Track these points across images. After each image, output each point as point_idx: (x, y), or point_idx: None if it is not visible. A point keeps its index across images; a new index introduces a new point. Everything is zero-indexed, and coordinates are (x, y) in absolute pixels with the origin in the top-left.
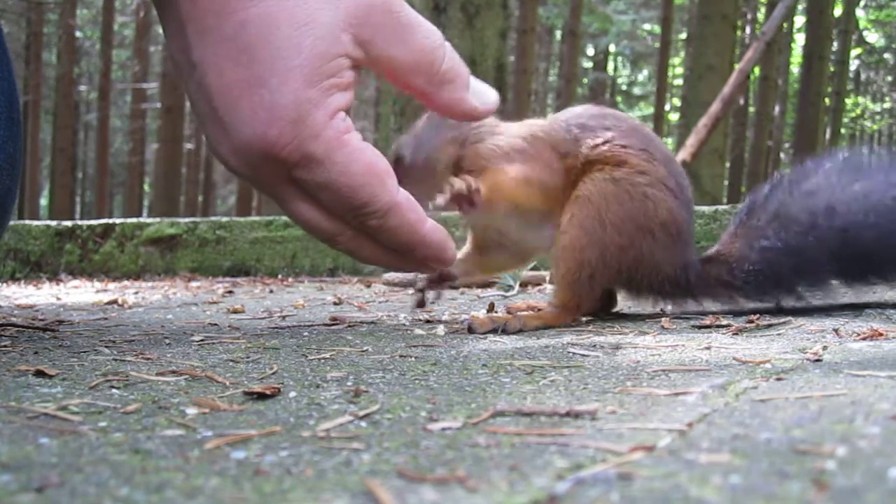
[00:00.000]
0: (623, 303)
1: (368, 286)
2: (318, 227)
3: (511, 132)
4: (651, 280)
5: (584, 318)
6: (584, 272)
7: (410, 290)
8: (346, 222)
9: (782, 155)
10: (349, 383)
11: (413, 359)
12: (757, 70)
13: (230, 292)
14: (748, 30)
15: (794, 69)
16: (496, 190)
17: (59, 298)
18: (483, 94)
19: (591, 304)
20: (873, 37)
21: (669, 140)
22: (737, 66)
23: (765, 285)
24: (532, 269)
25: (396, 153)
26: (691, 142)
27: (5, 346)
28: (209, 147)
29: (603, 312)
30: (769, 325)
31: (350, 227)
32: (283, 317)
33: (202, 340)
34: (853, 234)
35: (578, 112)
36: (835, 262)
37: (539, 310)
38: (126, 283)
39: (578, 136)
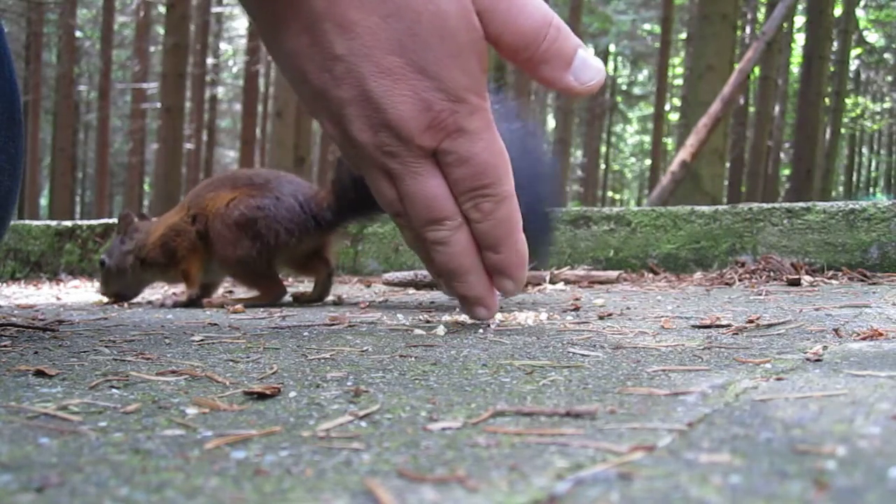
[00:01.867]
0: (622, 302)
1: (368, 286)
2: (440, 204)
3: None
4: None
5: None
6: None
7: (411, 290)
8: (461, 205)
9: (782, 155)
10: (349, 383)
11: (413, 359)
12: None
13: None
14: (748, 30)
15: (794, 69)
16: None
17: (59, 298)
18: (583, 72)
19: (270, 281)
20: (873, 37)
21: (669, 140)
22: (737, 66)
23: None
24: (532, 269)
25: (100, 259)
26: (691, 142)
27: (5, 346)
28: (325, 126)
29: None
30: (769, 325)
31: (460, 214)
32: (283, 317)
33: (202, 340)
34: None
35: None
36: None
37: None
38: None
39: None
